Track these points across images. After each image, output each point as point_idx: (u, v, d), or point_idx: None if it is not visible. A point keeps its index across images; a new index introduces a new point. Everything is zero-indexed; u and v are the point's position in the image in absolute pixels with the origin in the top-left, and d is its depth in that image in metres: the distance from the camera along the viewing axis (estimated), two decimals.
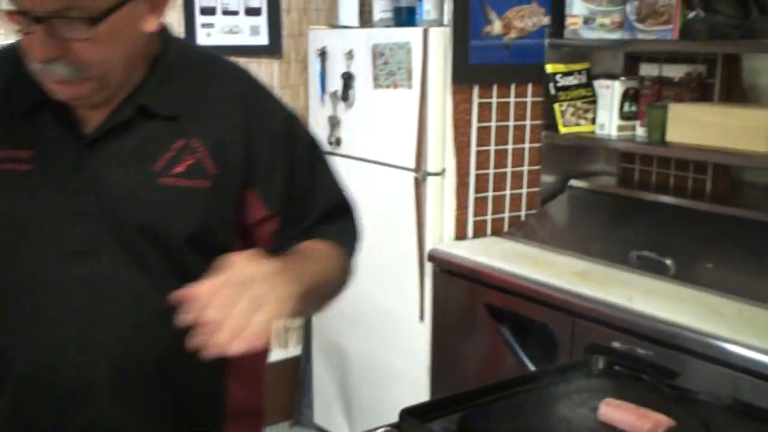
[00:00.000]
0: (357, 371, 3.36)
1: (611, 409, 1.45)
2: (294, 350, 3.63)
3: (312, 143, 1.52)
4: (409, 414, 1.45)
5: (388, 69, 2.95)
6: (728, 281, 2.45)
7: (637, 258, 2.64)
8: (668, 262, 2.56)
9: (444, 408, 1.49)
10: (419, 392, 3.00)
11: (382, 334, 3.21)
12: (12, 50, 1.34)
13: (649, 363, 1.65)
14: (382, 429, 1.46)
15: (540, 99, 3.03)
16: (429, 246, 2.93)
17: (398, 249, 3.04)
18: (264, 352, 1.65)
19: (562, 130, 3.02)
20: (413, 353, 3.06)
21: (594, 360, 1.69)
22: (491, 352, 2.82)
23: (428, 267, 2.94)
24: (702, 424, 1.44)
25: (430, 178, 2.90)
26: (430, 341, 3.00)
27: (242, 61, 3.23)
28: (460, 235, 2.96)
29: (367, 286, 3.22)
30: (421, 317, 3.01)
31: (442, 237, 2.94)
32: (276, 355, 3.60)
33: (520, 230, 3.04)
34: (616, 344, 2.39)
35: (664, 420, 1.42)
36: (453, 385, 2.95)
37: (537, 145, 3.06)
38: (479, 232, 3.00)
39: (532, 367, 2.69)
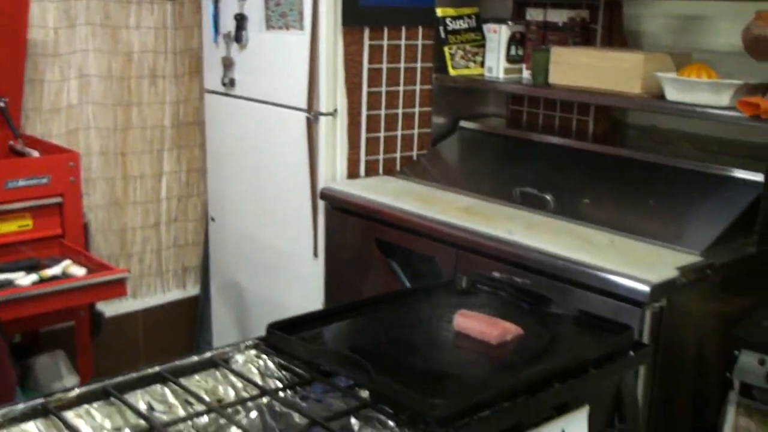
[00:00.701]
0: (254, 308, 3.38)
1: (464, 319, 1.51)
2: (192, 290, 3.63)
3: None
4: (276, 327, 1.48)
5: (280, 10, 2.94)
6: (603, 215, 2.54)
7: (520, 194, 2.71)
8: (548, 197, 2.64)
9: (311, 322, 1.53)
10: None
11: (278, 272, 3.24)
12: None
13: (511, 284, 1.70)
14: (249, 341, 1.49)
15: (430, 42, 3.06)
16: (321, 185, 2.95)
17: (292, 188, 3.06)
18: None
19: (452, 72, 3.06)
20: (308, 289, 3.09)
21: (458, 279, 1.75)
22: (383, 285, 2.87)
23: (321, 205, 2.97)
24: (548, 332, 1.51)
25: (322, 119, 2.91)
26: (323, 277, 3.04)
27: (135, 2, 3.22)
28: (353, 174, 2.99)
29: (262, 225, 3.24)
30: (315, 254, 3.04)
31: (334, 176, 2.96)
32: (174, 295, 3.60)
33: (411, 169, 3.09)
34: (496, 274, 2.46)
35: (512, 328, 1.49)
36: None
37: (428, 87, 3.10)
38: (371, 171, 3.03)
39: None
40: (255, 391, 1.39)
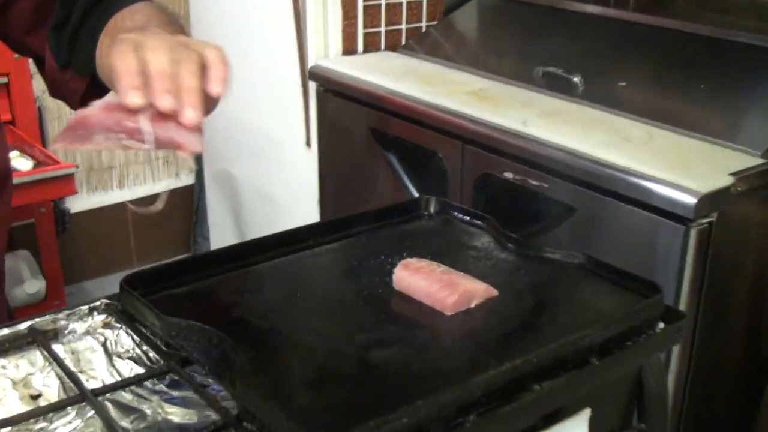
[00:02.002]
0: (249, 200, 2.89)
1: (408, 274, 0.98)
2: (186, 179, 3.14)
3: None
4: (135, 280, 0.98)
5: None
6: (641, 102, 1.95)
7: (543, 75, 2.12)
8: (576, 79, 2.04)
9: (182, 275, 1.02)
10: (310, 221, 2.55)
11: (271, 162, 2.73)
12: None
13: (490, 219, 1.15)
14: (99, 302, 0.99)
15: None
16: (311, 62, 2.39)
17: (279, 66, 2.51)
18: None
19: None
20: (302, 182, 2.59)
21: (424, 203, 1.21)
22: (380, 183, 2.35)
23: (312, 87, 2.42)
24: (534, 293, 0.99)
25: None
26: (317, 169, 2.52)
27: None
28: (348, 49, 2.42)
29: (252, 109, 2.71)
30: (308, 143, 2.52)
31: (326, 52, 2.40)
32: (168, 184, 3.12)
33: (419, 44, 2.50)
34: (508, 174, 1.92)
35: (479, 289, 0.96)
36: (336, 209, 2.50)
37: None
38: (371, 46, 2.46)
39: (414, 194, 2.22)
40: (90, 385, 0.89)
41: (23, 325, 0.95)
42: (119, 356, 0.96)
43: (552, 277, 1.04)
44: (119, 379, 0.94)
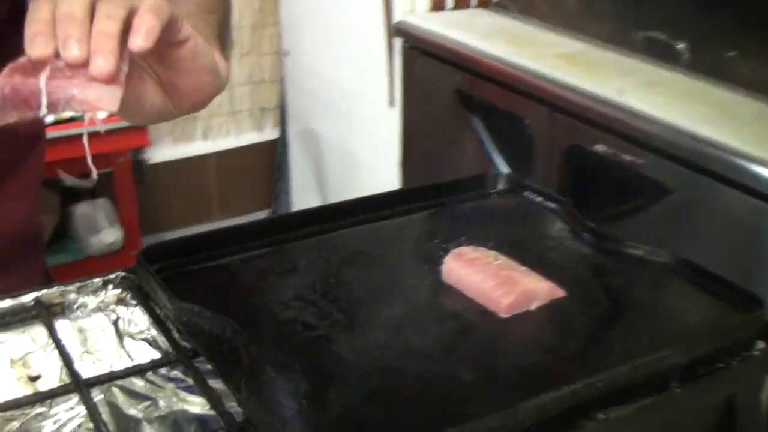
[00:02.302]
0: (331, 158, 2.78)
1: (460, 266, 0.83)
2: (270, 133, 3.04)
3: None
4: (149, 256, 0.86)
5: None
6: (753, 74, 1.73)
7: (644, 40, 1.91)
8: (681, 46, 1.83)
9: (209, 249, 0.89)
10: (390, 183, 2.42)
11: (353, 121, 2.60)
12: None
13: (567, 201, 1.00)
14: (114, 274, 0.88)
15: None
16: (397, 17, 2.24)
17: (364, 25, 2.36)
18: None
19: None
20: (384, 142, 2.45)
21: (492, 179, 1.06)
22: (464, 149, 2.19)
23: (397, 44, 2.27)
24: (609, 297, 0.83)
25: None
26: (400, 129, 2.38)
27: None
28: (437, 5, 2.25)
29: (337, 65, 2.58)
30: (391, 102, 2.37)
31: (413, 7, 2.23)
32: (250, 138, 3.03)
33: (512, 1, 2.31)
34: (600, 147, 1.73)
35: (544, 288, 0.80)
36: (420, 181, 2.35)
37: None
38: (461, 1, 2.28)
39: (500, 166, 2.06)
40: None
41: (29, 297, 0.84)
42: (131, 337, 0.85)
43: (631, 278, 0.87)
44: (129, 362, 0.83)
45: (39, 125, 1.03)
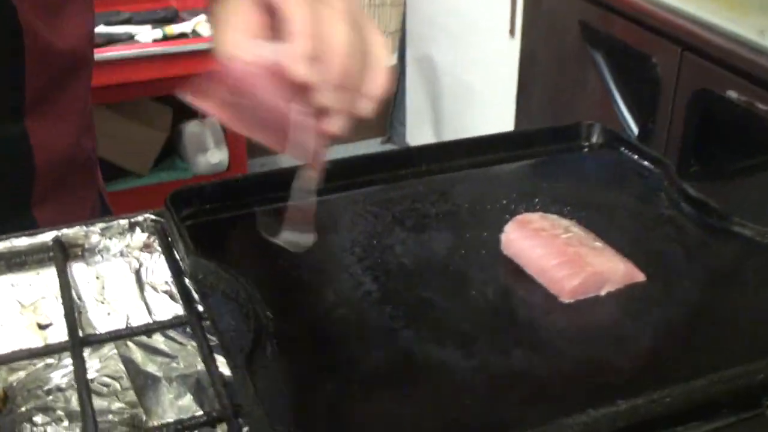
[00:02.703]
0: (448, 87, 2.63)
1: (521, 237, 0.70)
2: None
3: None
4: (181, 198, 0.77)
5: None
6: None
7: None
8: None
9: (245, 194, 0.79)
10: (505, 116, 2.28)
11: (472, 50, 2.44)
12: None
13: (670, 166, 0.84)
14: (143, 216, 0.79)
15: None
16: None
17: None
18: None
19: None
20: (501, 73, 2.30)
21: (585, 130, 0.90)
22: (584, 86, 2.01)
23: None
24: (699, 286, 0.68)
25: None
26: (518, 61, 2.21)
27: None
28: None
29: None
30: (511, 32, 2.20)
31: None
32: None
33: None
34: (732, 93, 1.53)
35: (615, 272, 0.67)
36: (536, 117, 2.19)
37: None
38: None
39: (624, 112, 1.87)
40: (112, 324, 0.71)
41: (48, 236, 0.77)
42: (154, 288, 0.77)
43: (733, 264, 0.72)
44: (146, 316, 0.75)
45: (84, 48, 0.94)
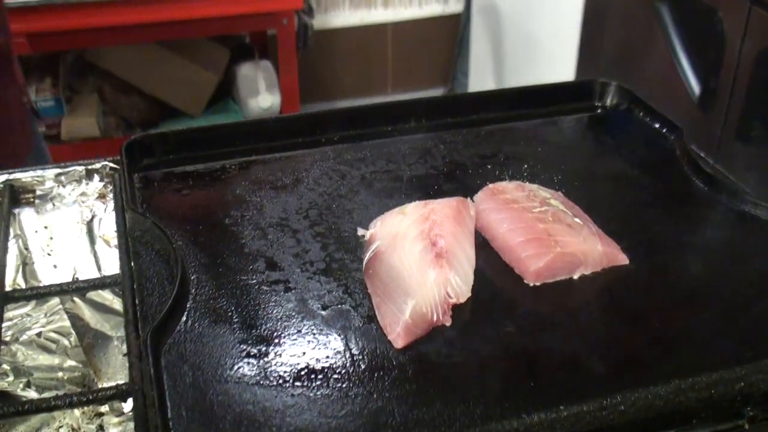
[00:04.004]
0: (511, 38, 2.51)
1: (491, 208, 0.62)
2: (455, 6, 2.78)
3: None
4: (135, 148, 0.71)
5: None
6: None
7: None
8: None
9: (206, 146, 0.73)
10: (568, 69, 2.15)
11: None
12: None
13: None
14: (101, 163, 0.73)
15: None
16: None
17: None
18: None
19: None
20: (564, 25, 2.16)
21: (599, 88, 0.81)
22: (647, 42, 1.87)
23: None
24: (690, 272, 0.59)
25: None
26: (581, 13, 2.08)
27: None
28: None
29: None
30: None
31: None
32: (433, 9, 2.79)
33: None
34: None
35: (590, 254, 0.59)
36: (598, 70, 2.06)
37: None
38: None
39: (687, 69, 1.73)
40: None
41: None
42: (106, 242, 0.71)
43: (738, 251, 0.62)
44: (96, 271, 0.70)
45: None
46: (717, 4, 1.59)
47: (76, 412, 0.71)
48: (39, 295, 0.62)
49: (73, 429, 0.72)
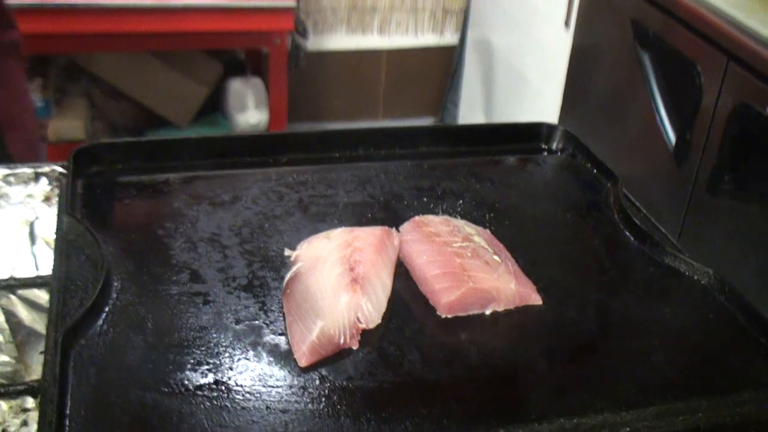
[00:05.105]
0: (502, 74, 2.55)
1: (413, 240, 0.65)
2: (451, 39, 2.82)
3: None
4: (82, 155, 0.73)
5: None
6: None
7: None
8: None
9: (153, 158, 0.75)
10: (553, 106, 2.19)
11: (529, 37, 2.35)
12: None
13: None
14: (50, 167, 0.76)
15: None
16: None
17: None
18: None
19: None
20: (553, 64, 2.20)
21: (545, 132, 0.83)
22: (626, 83, 1.90)
23: None
24: (605, 317, 0.62)
25: None
26: (569, 53, 2.11)
27: None
28: None
29: None
30: (566, 23, 2.10)
31: None
32: (427, 40, 2.83)
33: None
34: None
35: (505, 292, 0.61)
36: (582, 110, 2.10)
37: None
38: None
39: (664, 117, 1.76)
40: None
41: None
42: (47, 242, 0.74)
43: (652, 298, 0.64)
44: (34, 270, 0.72)
45: None
46: (696, 57, 1.62)
47: (4, 406, 0.73)
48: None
49: None
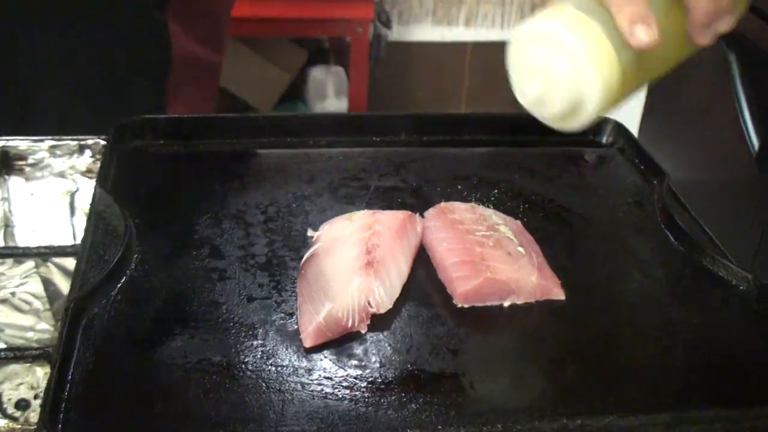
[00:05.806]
0: None
1: (436, 227, 0.64)
2: None
3: None
4: (127, 129, 0.74)
5: None
6: None
7: None
8: None
9: (196, 134, 0.76)
10: (633, 108, 2.13)
11: None
12: None
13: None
14: (93, 140, 0.77)
15: None
16: None
17: None
18: None
19: None
20: None
21: (595, 125, 0.80)
22: (711, 84, 1.84)
23: None
24: (619, 318, 0.59)
25: None
26: None
27: None
28: None
29: None
30: None
31: None
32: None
33: None
34: None
35: (524, 284, 0.60)
36: (662, 108, 2.04)
37: None
38: None
39: (749, 121, 1.69)
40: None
41: None
42: (85, 214, 0.75)
43: (682, 301, 0.61)
44: (72, 240, 0.74)
45: None
46: None
47: (39, 372, 0.74)
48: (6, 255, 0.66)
49: (32, 387, 0.76)
